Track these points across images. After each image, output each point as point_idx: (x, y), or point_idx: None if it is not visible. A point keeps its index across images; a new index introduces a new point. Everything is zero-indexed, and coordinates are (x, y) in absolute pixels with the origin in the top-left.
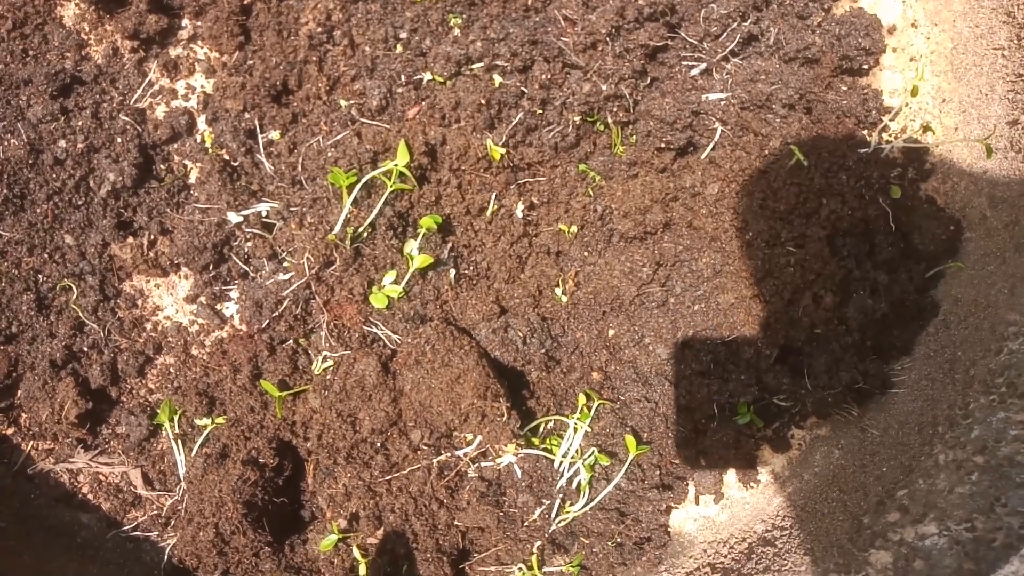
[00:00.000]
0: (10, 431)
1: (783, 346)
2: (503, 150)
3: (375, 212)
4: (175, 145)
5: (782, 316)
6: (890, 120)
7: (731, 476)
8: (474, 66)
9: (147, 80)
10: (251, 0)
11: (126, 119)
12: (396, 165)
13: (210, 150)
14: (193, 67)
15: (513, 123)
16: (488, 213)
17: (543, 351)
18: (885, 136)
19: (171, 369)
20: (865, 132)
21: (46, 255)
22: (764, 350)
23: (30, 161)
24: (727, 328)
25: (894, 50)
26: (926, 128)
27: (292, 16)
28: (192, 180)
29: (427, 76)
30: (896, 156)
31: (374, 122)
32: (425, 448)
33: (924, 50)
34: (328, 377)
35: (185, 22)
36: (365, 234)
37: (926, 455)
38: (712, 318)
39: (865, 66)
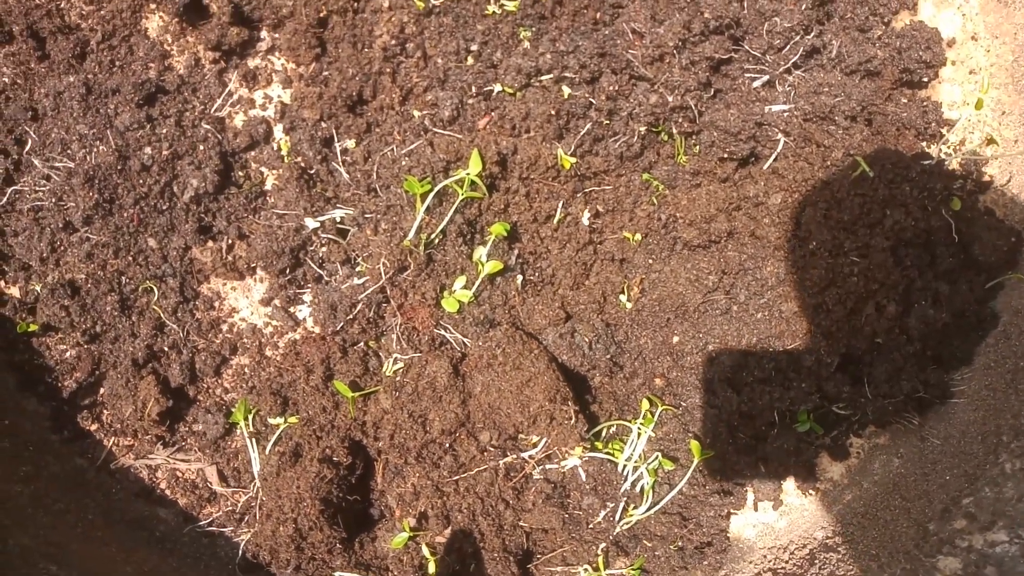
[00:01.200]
0: (93, 427)
1: (844, 355)
2: (573, 159)
3: (446, 219)
4: (253, 153)
5: (844, 325)
6: (950, 133)
7: (790, 483)
8: (543, 78)
9: (227, 90)
10: (327, 13)
11: (207, 127)
12: (468, 174)
13: (287, 158)
14: (271, 78)
15: (581, 133)
16: (555, 221)
17: (608, 356)
18: (944, 148)
19: (246, 369)
20: (924, 144)
21: (130, 258)
22: (825, 358)
23: (118, 167)
24: (789, 336)
25: (953, 63)
26: (988, 141)
27: (367, 29)
28: (268, 187)
29: (497, 87)
30: (956, 168)
31: (446, 132)
32: (492, 449)
33: (984, 63)
34: (399, 379)
35: (264, 34)
36: (436, 241)
37: (991, 464)
38: (775, 326)
39: (925, 79)
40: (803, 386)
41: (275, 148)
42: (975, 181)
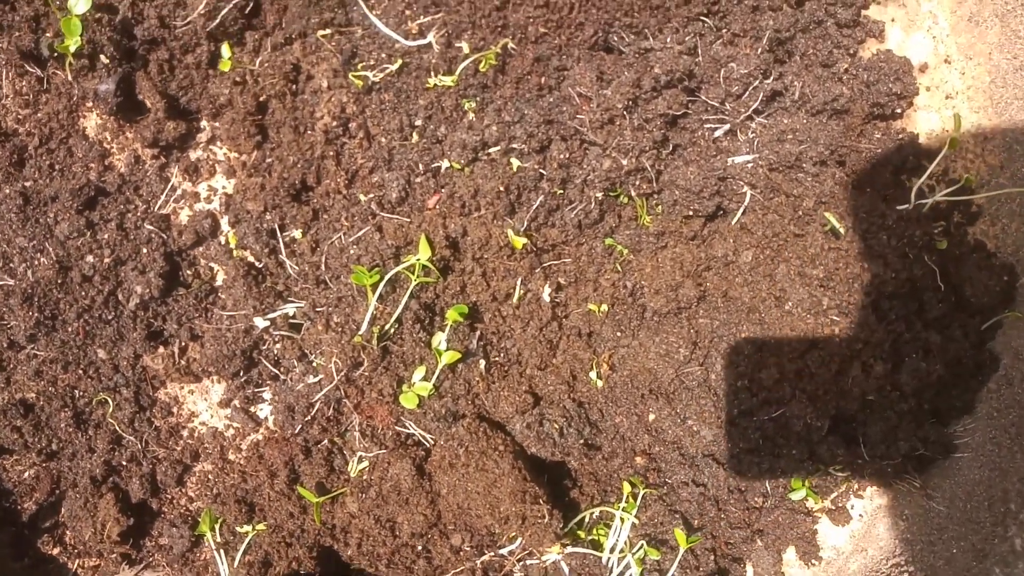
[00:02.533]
0: (56, 551)
1: (835, 415)
2: (524, 239)
3: (401, 307)
4: (200, 249)
5: (831, 387)
6: (931, 164)
7: (791, 554)
8: (491, 150)
9: (169, 185)
10: (266, 98)
11: (151, 228)
12: (418, 259)
13: (235, 252)
14: (214, 169)
15: (534, 206)
16: (515, 299)
17: (581, 441)
18: (926, 181)
19: (209, 476)
20: (904, 178)
21: (80, 371)
22: (815, 422)
23: (59, 281)
24: (774, 403)
25: (927, 89)
26: (969, 169)
27: (307, 111)
28: (220, 282)
29: (445, 164)
30: (940, 202)
31: (394, 216)
32: (468, 550)
33: (960, 87)
34: (365, 478)
35: (204, 124)
36: (392, 330)
37: (999, 537)
38: (757, 394)
39: (899, 110)
40: (794, 453)
41: (223, 242)
42: (961, 213)
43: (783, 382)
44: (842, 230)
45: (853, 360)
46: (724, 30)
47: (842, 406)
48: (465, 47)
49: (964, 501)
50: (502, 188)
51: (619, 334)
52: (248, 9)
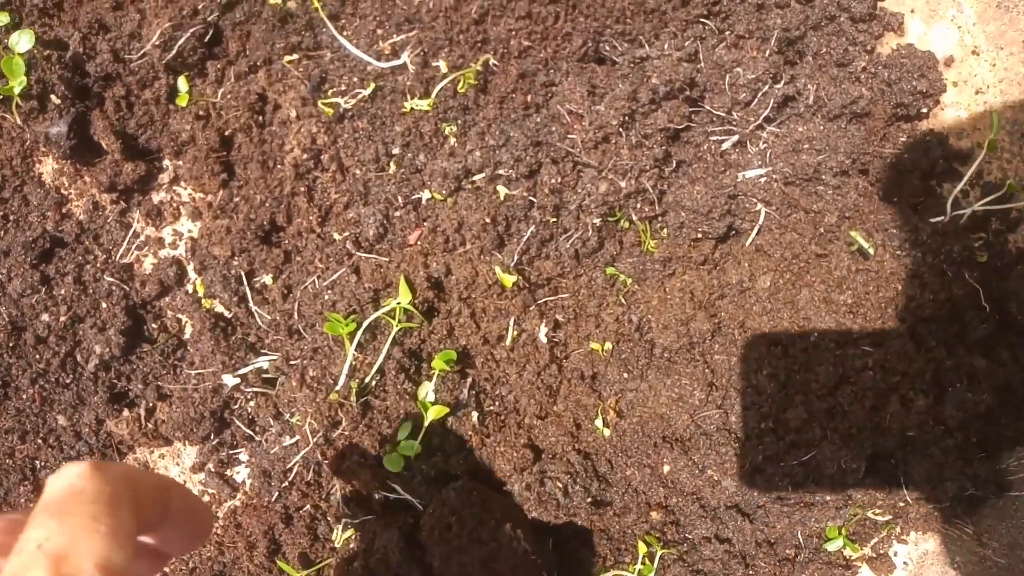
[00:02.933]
0: None
1: (872, 455)
2: (514, 277)
3: (382, 356)
4: (166, 299)
5: (866, 425)
6: (963, 167)
7: None
8: (475, 178)
9: (131, 232)
10: (231, 131)
11: (111, 279)
12: (399, 303)
13: (204, 302)
14: (179, 211)
15: (525, 237)
16: (508, 341)
17: (589, 499)
18: (958, 185)
19: None
20: (934, 184)
21: (40, 440)
22: (850, 465)
23: (11, 344)
24: (803, 446)
25: (955, 84)
26: (1006, 170)
27: (276, 144)
28: (188, 335)
29: (426, 195)
30: (977, 211)
31: (372, 255)
32: None
33: (991, 80)
34: (352, 546)
35: (166, 163)
36: (374, 383)
37: None
38: (783, 436)
39: (924, 110)
40: (828, 499)
41: (190, 291)
42: (1000, 219)
43: (812, 422)
44: (871, 249)
45: (890, 394)
46: (727, 32)
47: (880, 444)
48: (443, 66)
49: None
50: (488, 219)
51: (626, 375)
52: (208, 37)
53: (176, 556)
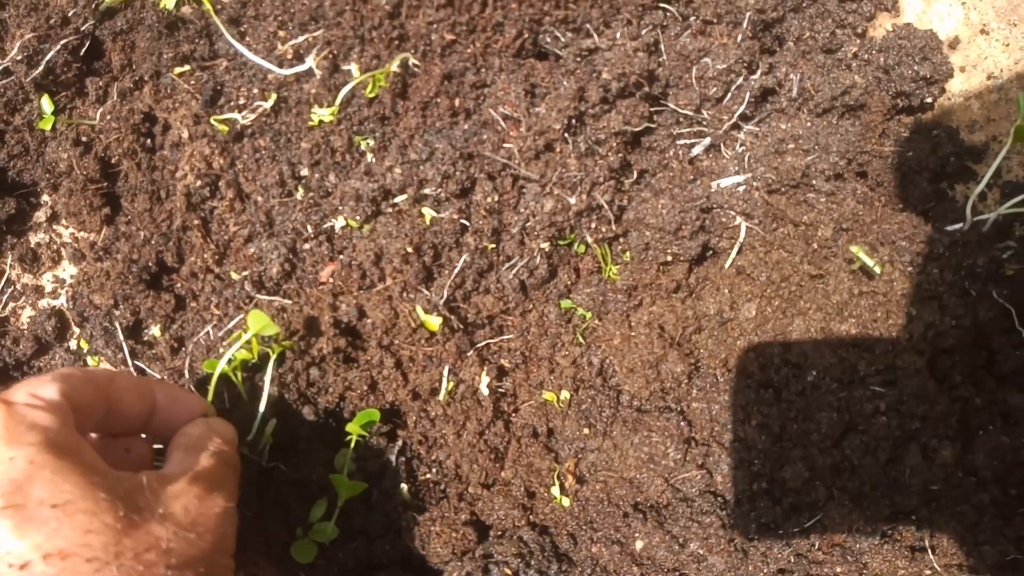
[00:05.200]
0: None
1: (889, 515)
2: (439, 318)
3: (262, 406)
4: (45, 359)
5: (881, 481)
6: (973, 163)
7: None
8: (397, 200)
9: (3, 280)
10: (116, 158)
11: None
12: (252, 336)
13: (89, 360)
14: (59, 254)
15: (457, 268)
16: (442, 394)
17: None
18: (977, 187)
19: None
20: (945, 186)
21: None
22: (864, 528)
23: None
24: (805, 510)
25: (962, 69)
26: None
27: (168, 171)
28: None
29: (340, 222)
30: (1000, 216)
31: (276, 297)
32: None
33: (1005, 62)
34: None
35: (44, 198)
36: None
37: None
38: (781, 499)
39: (928, 99)
40: (838, 571)
41: (74, 347)
42: None
43: (815, 480)
44: (876, 267)
45: (909, 443)
46: (692, 17)
47: (898, 504)
48: (354, 69)
49: None
50: (411, 248)
51: (587, 431)
52: (84, 50)
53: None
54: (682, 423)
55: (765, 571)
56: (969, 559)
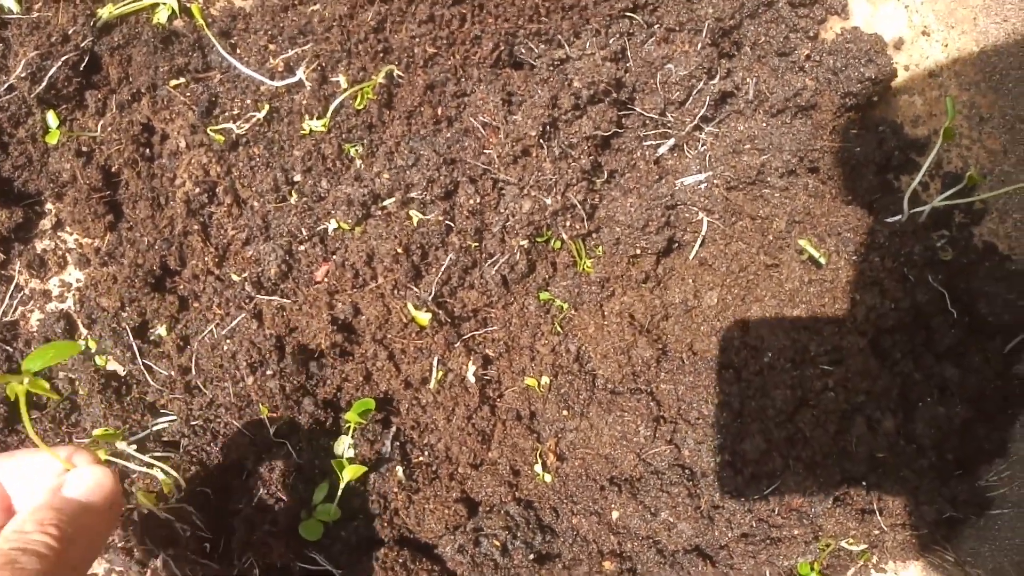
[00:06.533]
0: None
1: (840, 481)
2: (429, 313)
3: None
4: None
5: (831, 450)
6: (917, 156)
7: None
8: (385, 203)
9: (13, 285)
10: (117, 167)
11: None
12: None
13: (97, 359)
14: (64, 259)
15: (444, 266)
16: (433, 383)
17: (532, 554)
18: (915, 179)
19: None
20: (891, 177)
21: None
22: (817, 494)
23: None
24: (764, 478)
25: (906, 68)
26: (966, 158)
27: (167, 179)
28: (81, 393)
29: (332, 225)
30: (938, 206)
31: (274, 296)
32: None
33: (944, 60)
34: None
35: (48, 207)
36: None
37: None
38: (742, 470)
39: (875, 98)
40: (796, 534)
41: (83, 347)
42: (963, 212)
43: (772, 451)
44: (822, 258)
45: (855, 415)
46: (656, 26)
47: (848, 470)
48: (342, 81)
49: (1013, 570)
50: (400, 249)
51: (565, 413)
52: (84, 65)
53: None
54: (652, 403)
55: (729, 535)
56: (912, 518)
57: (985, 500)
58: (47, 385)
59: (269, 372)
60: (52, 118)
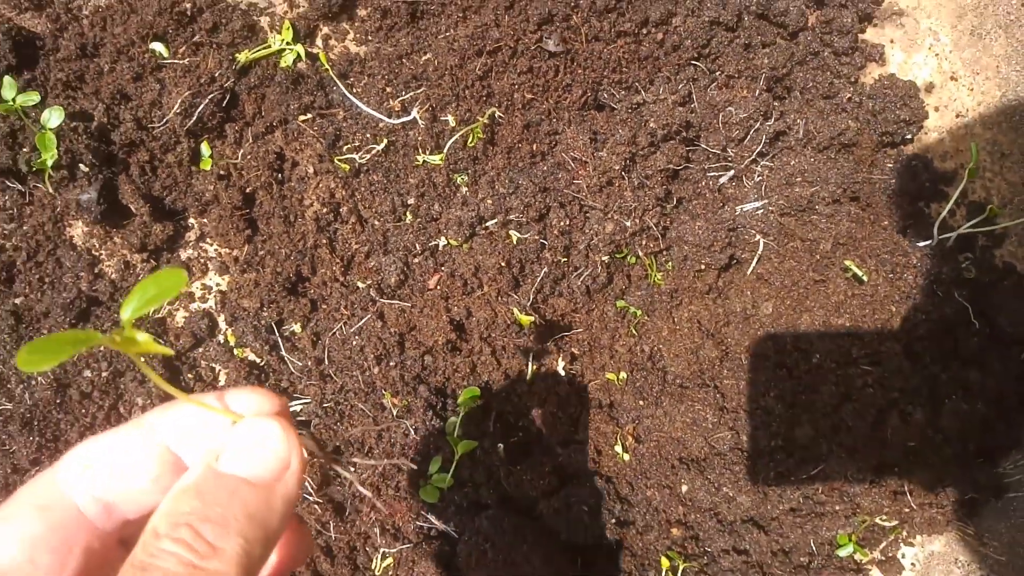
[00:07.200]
0: None
1: (876, 466)
2: (532, 317)
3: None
4: (200, 350)
5: (870, 439)
6: (945, 187)
7: None
8: (488, 224)
9: None
10: (252, 189)
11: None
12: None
13: (236, 351)
14: (206, 267)
15: (539, 277)
16: (528, 376)
17: (613, 520)
18: (944, 208)
19: None
20: (922, 205)
21: None
22: (856, 476)
23: (58, 401)
24: (811, 461)
25: (936, 109)
26: (989, 189)
27: (296, 199)
28: (222, 382)
29: (442, 241)
30: (963, 232)
31: (395, 300)
32: None
33: (970, 103)
34: (391, 575)
35: (191, 221)
36: (403, 418)
37: None
38: (792, 453)
39: (908, 136)
40: (837, 509)
41: (222, 341)
42: (986, 236)
43: (819, 438)
44: (864, 276)
45: (890, 409)
46: (718, 73)
47: (883, 456)
48: (451, 120)
49: None
50: (503, 263)
51: (641, 403)
52: (225, 102)
53: None
54: (717, 395)
55: (780, 509)
56: (938, 499)
57: (1003, 485)
58: (151, 340)
59: (392, 363)
60: (205, 148)
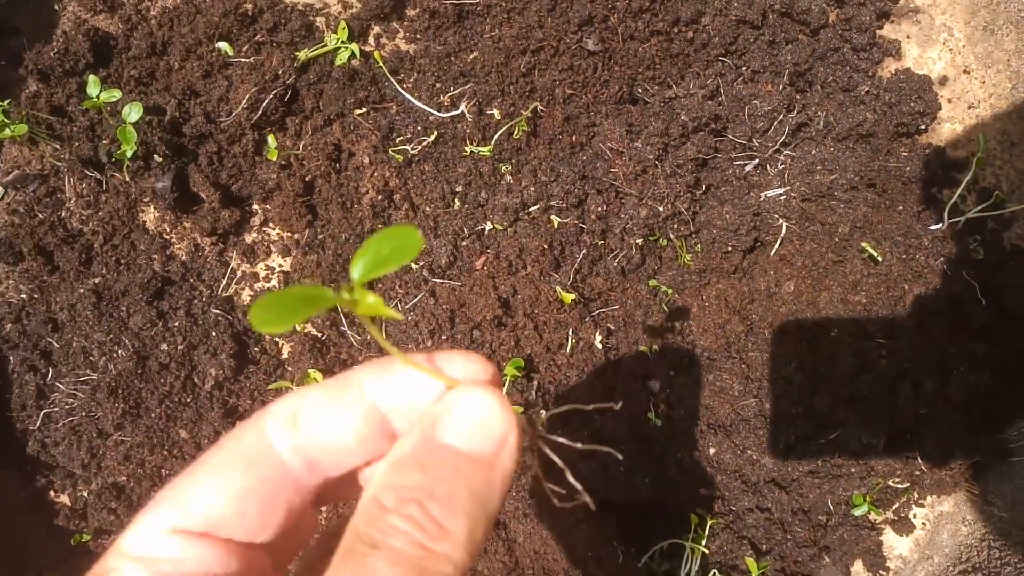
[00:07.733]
0: None
1: (890, 432)
2: (573, 294)
3: None
4: None
5: (884, 406)
6: (957, 173)
7: (859, 567)
8: (531, 210)
9: (229, 269)
10: (312, 178)
11: (216, 311)
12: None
13: (298, 327)
14: (269, 249)
15: (578, 259)
16: (568, 349)
17: (647, 479)
18: (955, 193)
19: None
20: (935, 191)
21: (166, 452)
22: (871, 440)
23: (139, 371)
24: (830, 427)
25: (949, 101)
26: (999, 176)
27: (352, 187)
28: (285, 356)
29: (488, 225)
30: (972, 216)
31: (445, 280)
32: None
33: (982, 95)
34: None
35: (255, 207)
36: None
37: None
38: (812, 419)
39: (923, 127)
40: (853, 471)
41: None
42: (995, 220)
43: (836, 406)
44: (879, 257)
45: (903, 379)
46: (744, 68)
47: (896, 423)
48: (496, 114)
49: None
50: (546, 245)
51: (672, 373)
52: (287, 97)
53: None
54: (742, 366)
55: (800, 470)
56: (946, 461)
57: (1007, 450)
58: (381, 302)
59: (444, 337)
60: (271, 140)
